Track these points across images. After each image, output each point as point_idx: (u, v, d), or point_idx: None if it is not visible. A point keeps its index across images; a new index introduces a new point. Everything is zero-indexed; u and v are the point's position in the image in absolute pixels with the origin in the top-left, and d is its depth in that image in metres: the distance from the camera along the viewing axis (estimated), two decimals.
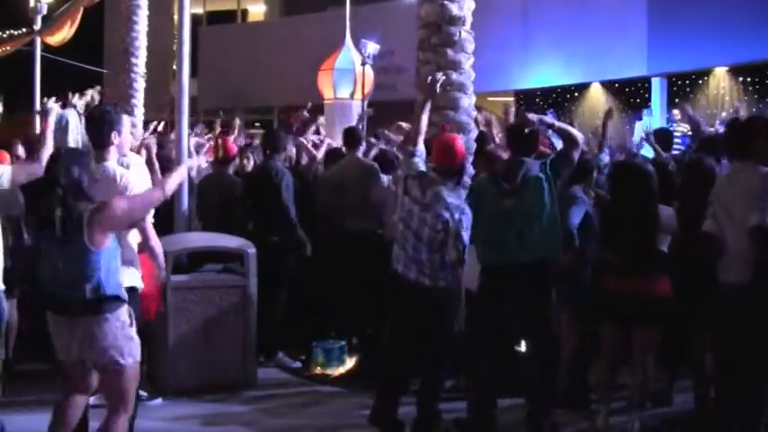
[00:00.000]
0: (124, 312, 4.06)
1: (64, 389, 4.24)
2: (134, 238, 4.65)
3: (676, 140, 11.85)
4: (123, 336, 4.02)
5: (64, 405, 4.19)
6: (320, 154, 7.87)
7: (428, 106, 5.46)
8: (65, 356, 4.10)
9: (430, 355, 5.22)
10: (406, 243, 5.15)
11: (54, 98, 5.71)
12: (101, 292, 3.97)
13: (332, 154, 8.09)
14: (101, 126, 4.56)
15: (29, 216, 4.13)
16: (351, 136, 7.28)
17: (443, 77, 5.77)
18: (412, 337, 5.23)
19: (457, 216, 5.00)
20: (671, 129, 9.92)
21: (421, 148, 5.31)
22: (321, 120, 8.61)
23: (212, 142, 9.44)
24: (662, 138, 7.65)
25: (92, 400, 4.93)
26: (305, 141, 8.04)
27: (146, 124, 10.98)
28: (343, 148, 7.45)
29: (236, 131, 10.31)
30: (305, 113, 8.45)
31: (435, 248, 5.03)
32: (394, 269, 5.22)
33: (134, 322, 4.11)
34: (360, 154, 7.20)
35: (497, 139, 6.83)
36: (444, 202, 5.03)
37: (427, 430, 5.23)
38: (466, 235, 5.03)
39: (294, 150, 7.78)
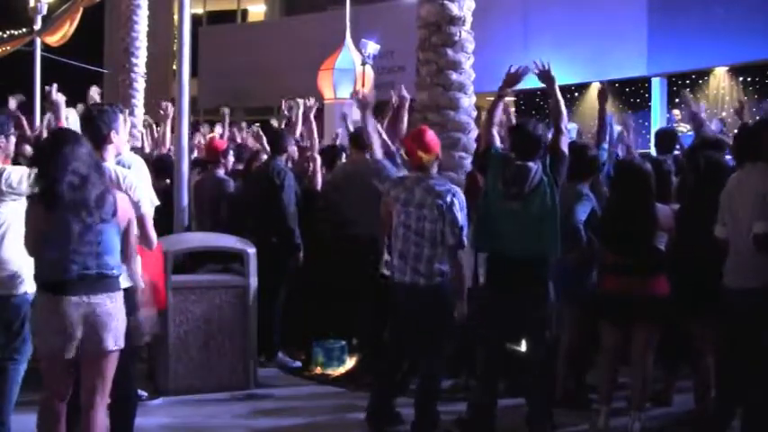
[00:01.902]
0: (121, 296, 4.05)
1: (43, 394, 4.13)
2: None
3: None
4: (119, 319, 4.01)
5: (48, 420, 4.09)
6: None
7: (369, 116, 5.45)
8: (52, 342, 3.94)
9: (428, 354, 5.24)
10: (405, 245, 5.18)
11: (55, 85, 5.62)
12: (106, 270, 3.98)
13: (330, 153, 8.06)
14: (99, 124, 4.52)
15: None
16: (361, 137, 7.27)
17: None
18: (410, 338, 5.25)
19: (449, 199, 5.08)
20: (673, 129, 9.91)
21: (381, 157, 5.36)
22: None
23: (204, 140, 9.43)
24: (664, 138, 7.62)
25: None
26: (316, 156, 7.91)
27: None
28: (349, 148, 7.42)
29: (226, 123, 10.25)
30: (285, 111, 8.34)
31: (438, 241, 5.09)
32: (390, 277, 5.29)
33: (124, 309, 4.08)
34: (368, 155, 7.18)
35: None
36: (434, 192, 5.12)
37: (427, 430, 5.23)
38: (461, 216, 5.09)
39: (296, 151, 7.76)
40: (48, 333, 3.96)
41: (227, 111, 10.53)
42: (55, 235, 3.94)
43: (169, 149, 8.23)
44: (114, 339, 4.00)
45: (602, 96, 6.79)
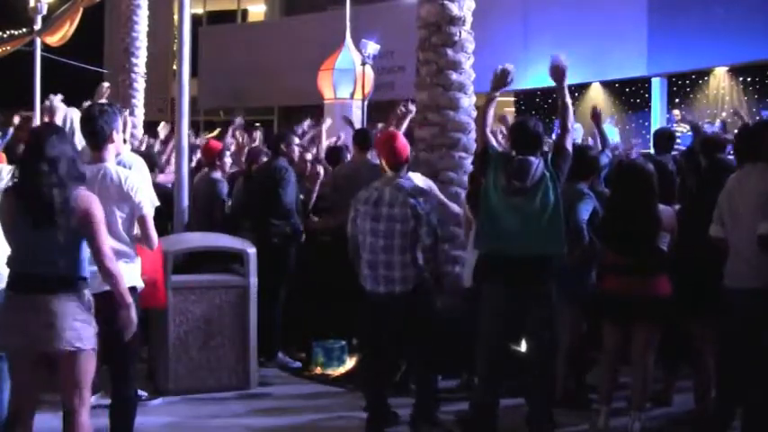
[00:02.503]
0: (83, 296, 3.99)
1: (12, 407, 4.08)
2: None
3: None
4: (76, 320, 3.94)
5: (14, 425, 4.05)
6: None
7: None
8: (9, 340, 3.94)
9: (417, 355, 5.30)
10: (372, 254, 5.18)
11: (60, 96, 5.64)
12: (75, 271, 3.94)
13: (334, 153, 8.07)
14: (101, 124, 4.48)
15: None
16: (364, 137, 7.26)
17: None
18: (393, 343, 5.33)
19: (421, 199, 5.14)
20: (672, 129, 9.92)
21: None
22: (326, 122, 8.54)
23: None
24: (662, 138, 7.63)
25: (91, 400, 4.93)
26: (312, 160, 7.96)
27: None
28: (351, 148, 7.42)
29: (237, 129, 10.27)
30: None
31: (408, 244, 5.10)
32: (363, 288, 5.31)
33: (93, 309, 4.02)
34: (370, 156, 7.19)
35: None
36: (406, 191, 5.15)
37: (425, 427, 5.28)
38: (433, 216, 5.16)
39: (297, 152, 7.78)
40: (4, 330, 3.96)
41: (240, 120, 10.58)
42: (17, 231, 3.91)
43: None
44: (68, 341, 3.91)
45: (596, 119, 7.03)
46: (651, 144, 10.29)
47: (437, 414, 5.37)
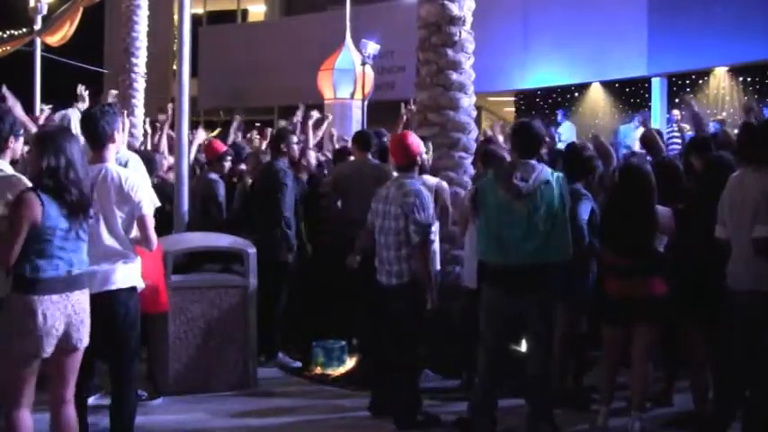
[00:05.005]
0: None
1: (9, 408, 3.96)
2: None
3: (677, 140, 11.87)
4: (89, 315, 4.04)
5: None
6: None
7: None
8: (46, 341, 3.85)
9: (405, 342, 5.38)
10: (379, 248, 5.43)
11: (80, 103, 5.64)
12: (85, 268, 4.04)
13: (341, 154, 8.08)
14: (103, 124, 4.49)
15: None
16: (364, 138, 7.27)
17: None
18: (393, 343, 5.39)
19: (411, 200, 5.23)
20: (668, 130, 9.88)
21: None
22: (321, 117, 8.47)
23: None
24: (650, 142, 7.56)
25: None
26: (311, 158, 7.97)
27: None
28: (353, 149, 7.43)
29: (236, 127, 10.28)
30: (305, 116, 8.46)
31: (402, 240, 5.27)
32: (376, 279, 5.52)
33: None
34: (369, 156, 7.19)
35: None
36: (402, 190, 5.30)
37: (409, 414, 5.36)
38: (421, 216, 5.22)
39: (298, 152, 7.78)
40: (26, 334, 3.84)
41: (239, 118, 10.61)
42: (45, 232, 3.86)
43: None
44: (87, 335, 4.02)
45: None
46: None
47: (420, 412, 5.42)
